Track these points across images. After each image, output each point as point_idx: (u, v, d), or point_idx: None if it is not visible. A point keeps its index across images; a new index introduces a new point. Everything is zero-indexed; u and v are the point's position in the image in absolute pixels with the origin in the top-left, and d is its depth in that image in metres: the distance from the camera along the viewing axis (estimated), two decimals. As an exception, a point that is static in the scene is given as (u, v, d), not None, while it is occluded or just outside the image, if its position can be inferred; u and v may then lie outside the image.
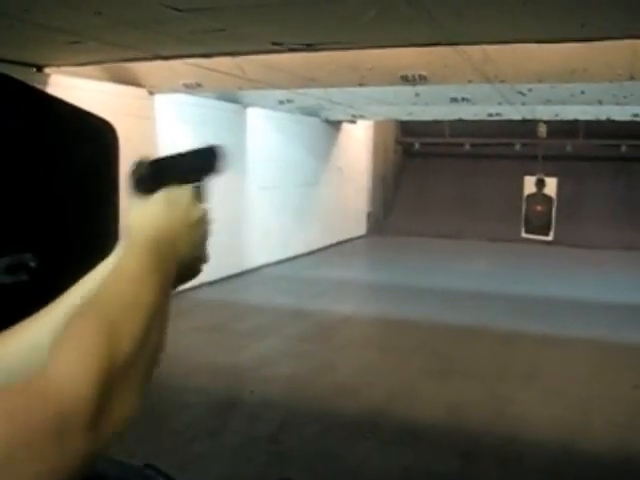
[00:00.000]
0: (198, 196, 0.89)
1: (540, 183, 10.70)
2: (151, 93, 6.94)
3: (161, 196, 0.82)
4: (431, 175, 13.48)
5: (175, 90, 6.83)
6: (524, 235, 10.99)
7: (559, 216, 11.03)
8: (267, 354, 5.45)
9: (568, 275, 9.40)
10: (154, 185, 0.82)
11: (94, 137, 1.40)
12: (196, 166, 0.91)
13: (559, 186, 10.81)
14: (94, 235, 1.48)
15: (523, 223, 11.06)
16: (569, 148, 11.89)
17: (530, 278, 9.08)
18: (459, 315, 6.86)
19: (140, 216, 0.81)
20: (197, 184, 0.90)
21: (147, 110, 6.90)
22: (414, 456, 3.66)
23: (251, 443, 3.74)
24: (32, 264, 1.26)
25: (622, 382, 4.90)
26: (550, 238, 10.72)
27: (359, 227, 12.86)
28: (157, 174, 0.83)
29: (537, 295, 7.89)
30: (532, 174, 10.96)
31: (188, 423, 4.02)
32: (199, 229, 0.87)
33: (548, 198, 10.71)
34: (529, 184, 10.93)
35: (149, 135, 6.94)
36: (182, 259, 0.84)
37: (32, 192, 1.33)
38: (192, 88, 6.65)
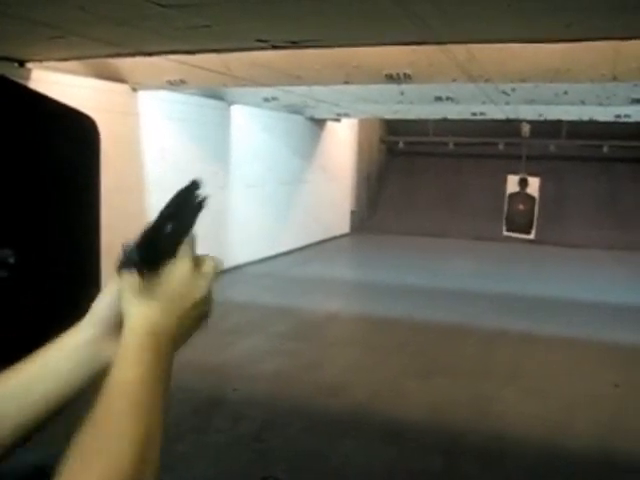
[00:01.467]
0: (197, 261, 0.89)
1: (523, 182, 10.72)
2: (134, 89, 6.89)
3: (160, 293, 0.80)
4: (415, 174, 13.53)
5: (159, 87, 6.78)
6: (505, 233, 11.01)
7: (542, 215, 11.08)
8: (251, 352, 5.44)
9: (551, 274, 9.47)
10: (149, 266, 0.80)
11: (76, 132, 1.39)
12: (184, 220, 0.88)
13: (542, 185, 10.84)
14: (74, 231, 1.47)
15: (504, 222, 11.08)
16: (552, 148, 11.97)
17: (513, 277, 9.14)
18: (443, 313, 6.89)
19: (138, 316, 0.78)
20: (190, 238, 0.88)
21: (130, 106, 6.86)
22: (397, 455, 3.66)
23: (235, 442, 3.73)
24: (11, 260, 1.24)
25: (604, 381, 4.94)
26: (532, 237, 10.76)
27: (343, 225, 12.87)
28: (148, 255, 0.80)
29: (520, 294, 7.94)
30: (515, 173, 10.99)
31: (172, 422, 3.96)
32: (201, 309, 0.86)
33: (530, 197, 10.73)
34: (512, 183, 10.96)
35: (133, 131, 6.91)
36: (182, 338, 0.81)
37: (12, 188, 1.32)
38: (176, 85, 6.61)
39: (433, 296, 7.76)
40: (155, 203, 7.26)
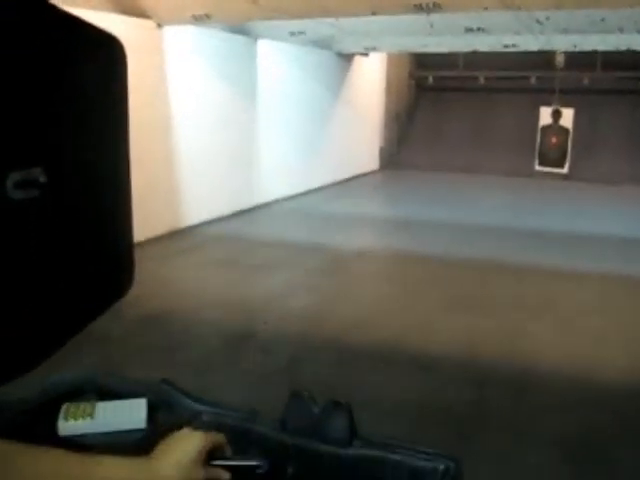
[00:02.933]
0: None
1: (556, 114, 10.30)
2: (159, 26, 6.80)
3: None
4: (445, 109, 13.29)
5: (184, 22, 6.68)
6: (537, 168, 10.68)
7: (574, 151, 10.86)
8: (280, 288, 5.46)
9: (583, 210, 9.33)
10: None
11: (101, 51, 1.35)
12: None
13: (575, 119, 10.54)
14: (103, 153, 1.44)
15: (537, 155, 10.72)
16: (586, 81, 11.64)
17: (545, 212, 9.02)
18: (474, 249, 6.84)
19: None
20: None
21: (155, 43, 6.77)
22: (429, 386, 3.68)
23: (266, 374, 3.77)
24: (42, 179, 1.23)
25: (635, 315, 4.89)
26: (565, 171, 10.41)
27: (372, 162, 12.76)
28: None
29: (552, 229, 7.84)
30: (548, 105, 10.63)
31: (202, 355, 4.05)
32: None
33: (564, 130, 10.33)
34: (545, 115, 10.58)
35: (158, 68, 6.84)
36: None
37: (39, 103, 1.28)
38: (201, 20, 6.51)
39: (465, 232, 7.69)
40: (181, 140, 7.24)
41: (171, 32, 6.94)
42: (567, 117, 10.37)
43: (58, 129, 1.35)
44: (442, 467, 1.17)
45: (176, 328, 4.48)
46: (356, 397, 3.36)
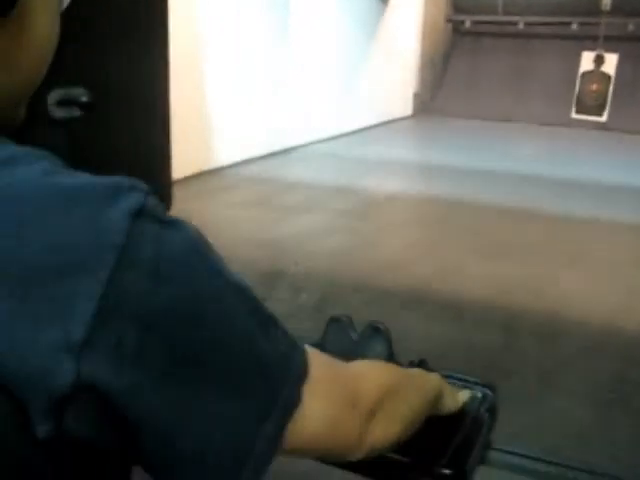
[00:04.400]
0: None
1: (599, 59, 9.70)
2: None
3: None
4: (482, 55, 12.98)
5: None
6: (574, 116, 10.13)
7: (615, 101, 10.56)
8: (311, 228, 5.47)
9: (621, 160, 9.13)
10: None
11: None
12: None
13: (619, 65, 10.04)
14: (145, 75, 1.43)
15: (575, 102, 10.13)
16: (631, 27, 11.25)
17: (581, 162, 8.85)
18: (508, 196, 6.76)
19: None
20: None
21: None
22: (457, 329, 3.69)
23: (297, 311, 3.80)
24: (84, 99, 1.22)
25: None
26: (604, 119, 9.85)
27: (406, 107, 12.57)
28: None
29: (588, 179, 7.70)
30: (591, 50, 10.04)
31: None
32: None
33: (606, 76, 9.72)
34: (587, 60, 9.99)
35: (189, 10, 6.73)
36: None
37: (80, 20, 1.26)
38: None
39: (498, 179, 7.60)
40: (213, 78, 7.18)
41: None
42: (610, 63, 9.76)
43: (100, 48, 1.33)
44: (479, 394, 1.17)
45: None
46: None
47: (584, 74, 9.91)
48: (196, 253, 0.58)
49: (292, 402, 0.59)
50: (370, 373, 0.78)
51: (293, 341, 0.63)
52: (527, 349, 3.55)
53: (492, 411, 1.14)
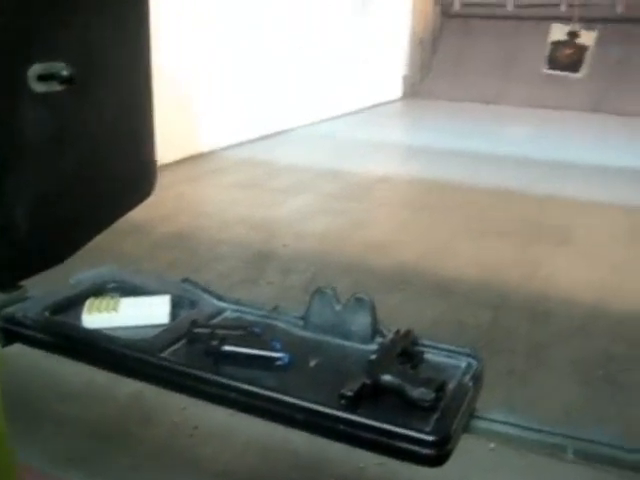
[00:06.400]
0: None
1: (573, 34, 8.31)
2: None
3: None
4: (471, 37, 12.95)
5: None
6: (546, 71, 8.67)
7: (603, 83, 10.54)
8: (301, 210, 5.47)
9: (610, 142, 9.15)
10: None
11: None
12: None
13: (601, 42, 9.35)
14: (126, 50, 1.42)
15: (547, 61, 8.73)
16: (619, 9, 11.26)
17: (570, 144, 8.87)
18: (497, 178, 6.78)
19: None
20: None
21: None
22: (445, 308, 3.70)
23: (285, 293, 3.81)
24: (64, 72, 1.20)
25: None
26: (580, 75, 8.27)
27: (395, 90, 12.55)
28: None
29: (576, 161, 7.73)
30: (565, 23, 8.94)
31: (223, 273, 4.09)
32: None
33: (581, 46, 8.27)
34: (557, 32, 8.59)
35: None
36: None
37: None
38: None
39: (488, 161, 7.61)
40: (201, 49, 7.13)
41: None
42: (587, 37, 8.33)
43: (80, 22, 1.32)
44: (464, 364, 1.19)
45: (198, 248, 4.53)
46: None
47: (555, 42, 8.72)
48: None
49: None
50: None
51: None
52: (515, 327, 3.56)
53: (476, 380, 1.16)
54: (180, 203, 5.45)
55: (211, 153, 7.29)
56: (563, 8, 11.56)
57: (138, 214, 1.85)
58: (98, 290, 1.55)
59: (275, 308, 1.38)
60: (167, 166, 6.26)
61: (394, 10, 12.02)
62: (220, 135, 7.53)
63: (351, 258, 4.44)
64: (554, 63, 8.14)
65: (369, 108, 11.15)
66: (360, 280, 4.02)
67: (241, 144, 7.77)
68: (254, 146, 7.85)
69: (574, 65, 8.18)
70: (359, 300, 1.23)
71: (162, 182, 5.85)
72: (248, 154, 7.49)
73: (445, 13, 13.40)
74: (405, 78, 12.85)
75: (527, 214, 5.67)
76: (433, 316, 3.56)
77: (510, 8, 12.33)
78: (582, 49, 8.19)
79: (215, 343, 1.23)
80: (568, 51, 8.28)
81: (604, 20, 10.93)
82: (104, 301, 1.47)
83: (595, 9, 10.82)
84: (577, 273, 4.33)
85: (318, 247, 4.65)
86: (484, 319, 3.58)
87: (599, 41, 8.39)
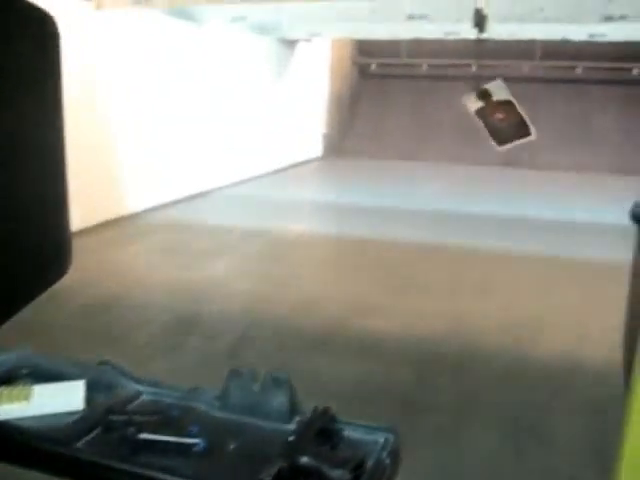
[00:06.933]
0: None
1: (484, 94, 8.76)
2: (98, 8, 6.63)
3: None
4: (389, 96, 13.37)
5: (123, 5, 6.55)
6: (500, 149, 9.19)
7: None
8: (225, 272, 5.45)
9: (522, 195, 9.54)
10: None
11: (34, 27, 1.32)
12: None
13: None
14: (37, 127, 1.41)
15: (490, 137, 9.32)
16: (526, 69, 11.88)
17: (486, 198, 9.20)
18: (416, 233, 6.95)
19: None
20: None
21: (93, 26, 6.61)
22: (369, 368, 3.72)
23: (211, 359, 3.76)
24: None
25: (572, 295, 5.04)
26: (534, 136, 8.71)
27: (315, 149, 12.77)
28: None
29: (492, 214, 8.01)
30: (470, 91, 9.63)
31: (147, 341, 4.01)
32: None
33: (504, 102, 8.88)
34: (471, 101, 9.21)
35: (94, 55, 6.68)
36: None
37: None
38: (141, 3, 6.39)
39: (406, 217, 7.79)
40: (120, 114, 7.11)
41: (111, 14, 6.77)
42: (498, 90, 8.94)
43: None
44: (382, 439, 1.20)
45: (122, 313, 4.43)
46: (297, 378, 3.38)
47: (480, 111, 9.16)
48: None
49: None
50: None
51: None
52: (440, 382, 3.60)
53: (394, 455, 1.17)
54: (101, 268, 5.34)
55: (133, 216, 7.21)
56: (474, 68, 12.10)
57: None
58: (10, 377, 1.49)
59: (193, 389, 1.36)
60: (88, 230, 6.16)
61: (313, 71, 12.32)
62: (142, 198, 7.47)
63: (275, 319, 4.44)
64: (499, 136, 8.01)
65: (291, 167, 11.30)
66: (285, 342, 4.02)
67: (164, 206, 7.73)
68: (176, 208, 7.83)
69: (519, 128, 8.16)
70: (276, 379, 1.23)
71: (83, 247, 5.75)
72: (170, 216, 7.45)
73: (363, 73, 13.82)
74: (325, 137, 13.10)
75: (447, 267, 5.81)
76: (357, 376, 3.57)
77: (425, 68, 12.83)
78: (509, 108, 8.33)
79: (131, 431, 1.21)
80: (499, 116, 8.42)
81: (513, 79, 11.47)
82: (15, 390, 1.42)
83: (505, 69, 11.36)
84: (498, 324, 4.43)
85: (242, 309, 4.63)
86: (409, 376, 3.61)
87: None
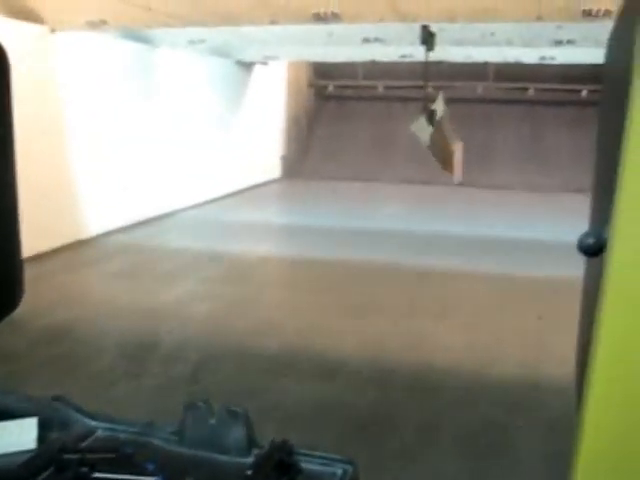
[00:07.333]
0: None
1: (431, 115, 7.45)
2: (52, 31, 6.58)
3: None
4: (345, 118, 13.48)
5: (78, 28, 6.49)
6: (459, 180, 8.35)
7: (468, 159, 11.14)
8: (184, 296, 5.40)
9: (477, 215, 9.67)
10: None
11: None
12: None
13: (466, 127, 9.91)
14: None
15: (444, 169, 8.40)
16: (479, 90, 12.10)
17: (442, 218, 9.30)
18: (373, 254, 6.98)
19: None
20: None
21: (48, 50, 6.54)
22: (329, 390, 3.72)
23: (170, 384, 3.72)
24: None
25: (529, 313, 5.10)
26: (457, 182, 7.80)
27: (274, 170, 12.78)
28: None
29: (448, 233, 8.10)
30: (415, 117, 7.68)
31: (106, 367, 3.95)
32: None
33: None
34: (420, 127, 7.54)
35: (50, 75, 6.61)
36: None
37: None
38: (96, 26, 6.34)
39: (364, 238, 7.83)
40: (76, 139, 7.03)
41: (66, 38, 6.72)
42: (439, 104, 7.48)
43: None
44: (340, 471, 1.19)
45: (80, 340, 4.36)
46: (258, 403, 3.36)
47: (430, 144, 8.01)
48: None
49: None
50: None
51: None
52: (402, 404, 3.61)
53: (352, 486, 1.17)
54: (59, 294, 5.24)
55: (91, 240, 7.12)
56: (430, 89, 12.27)
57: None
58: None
59: (149, 423, 1.34)
60: (45, 255, 6.06)
61: (270, 93, 12.36)
62: (100, 221, 7.38)
63: (235, 342, 4.41)
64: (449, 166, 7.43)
65: (250, 189, 11.29)
66: (244, 366, 4.00)
67: (123, 229, 7.64)
68: (135, 231, 7.74)
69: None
70: (232, 412, 1.22)
71: (40, 272, 5.64)
72: (129, 240, 7.37)
73: (320, 95, 13.92)
74: (283, 158, 13.13)
75: (405, 288, 5.85)
76: (318, 400, 3.57)
77: (380, 90, 12.97)
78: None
79: (85, 470, 1.18)
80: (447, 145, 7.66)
81: (465, 100, 11.72)
82: (-36, 429, 1.38)
83: (459, 90, 11.60)
84: (457, 344, 4.47)
85: (202, 332, 4.59)
86: (370, 398, 3.62)
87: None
